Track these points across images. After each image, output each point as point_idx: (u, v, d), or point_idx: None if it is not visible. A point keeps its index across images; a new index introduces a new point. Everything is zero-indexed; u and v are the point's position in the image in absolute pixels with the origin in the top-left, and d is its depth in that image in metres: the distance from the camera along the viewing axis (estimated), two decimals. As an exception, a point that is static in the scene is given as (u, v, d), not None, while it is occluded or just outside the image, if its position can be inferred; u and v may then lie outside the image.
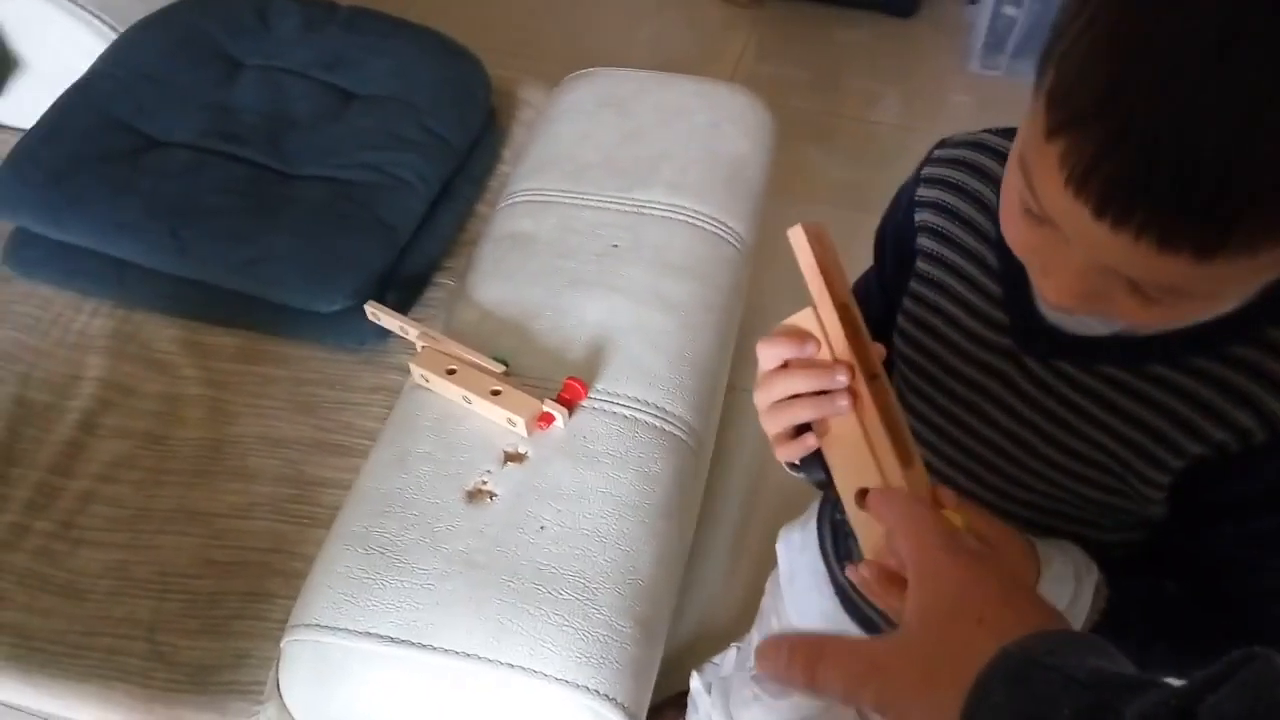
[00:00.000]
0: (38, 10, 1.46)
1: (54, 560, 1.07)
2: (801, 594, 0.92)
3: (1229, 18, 0.39)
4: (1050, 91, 0.44)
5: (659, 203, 1.28)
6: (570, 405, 1.06)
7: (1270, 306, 0.52)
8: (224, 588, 1.06)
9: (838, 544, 0.85)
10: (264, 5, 1.50)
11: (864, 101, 2.37)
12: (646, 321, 1.15)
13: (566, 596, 0.94)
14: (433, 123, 1.37)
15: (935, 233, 0.67)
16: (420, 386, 1.11)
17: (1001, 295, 0.63)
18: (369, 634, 0.93)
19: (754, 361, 0.60)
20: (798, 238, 0.55)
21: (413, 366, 1.10)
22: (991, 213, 0.63)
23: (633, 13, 2.60)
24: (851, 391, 0.55)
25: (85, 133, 1.32)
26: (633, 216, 1.27)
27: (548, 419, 1.05)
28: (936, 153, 0.69)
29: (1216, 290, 0.48)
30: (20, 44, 1.50)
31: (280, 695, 0.98)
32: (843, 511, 0.58)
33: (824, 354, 0.56)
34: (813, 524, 0.89)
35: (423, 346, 1.13)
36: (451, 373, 1.08)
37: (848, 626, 0.85)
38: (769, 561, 1.01)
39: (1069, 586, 0.58)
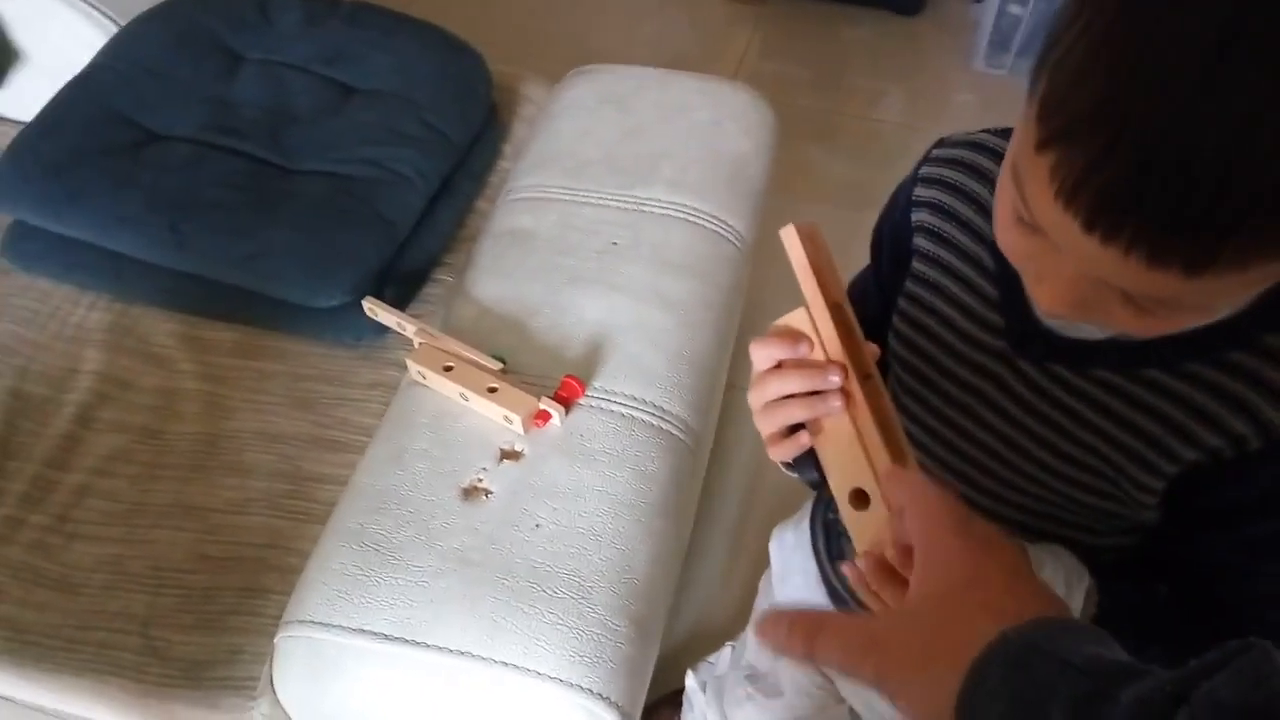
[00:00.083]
0: (39, 3, 1.46)
1: (49, 554, 1.07)
2: (794, 593, 0.92)
3: (1222, 35, 0.38)
4: (1042, 101, 0.43)
5: (659, 200, 1.28)
6: (567, 403, 1.06)
7: (1267, 313, 0.52)
8: (219, 583, 1.06)
9: (830, 544, 0.85)
10: (265, -1, 1.50)
11: (867, 100, 2.36)
12: (645, 320, 1.15)
13: (561, 595, 0.93)
14: (433, 118, 1.37)
15: (932, 233, 0.67)
16: (417, 383, 1.11)
17: (997, 297, 0.63)
18: (363, 631, 0.93)
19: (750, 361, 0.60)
20: (789, 237, 0.55)
21: (410, 363, 1.10)
22: (989, 214, 0.63)
23: (635, 9, 2.59)
24: (844, 391, 0.55)
25: (85, 126, 1.32)
26: (633, 214, 1.26)
27: (544, 417, 1.05)
28: (934, 152, 0.69)
29: (1208, 303, 0.48)
30: (21, 36, 1.50)
31: (274, 691, 0.98)
32: (835, 511, 0.58)
33: (817, 354, 0.56)
34: (805, 524, 0.89)
35: (420, 343, 1.13)
36: (449, 369, 1.07)
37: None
38: (766, 561, 1.01)
39: (1060, 591, 0.58)
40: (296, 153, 1.33)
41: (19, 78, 1.52)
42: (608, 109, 1.41)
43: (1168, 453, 0.56)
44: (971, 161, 0.65)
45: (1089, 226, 0.42)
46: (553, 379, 1.08)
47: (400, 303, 1.25)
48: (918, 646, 0.43)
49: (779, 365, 0.58)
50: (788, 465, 0.65)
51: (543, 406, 1.04)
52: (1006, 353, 0.62)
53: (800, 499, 0.94)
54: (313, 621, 0.94)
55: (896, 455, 0.55)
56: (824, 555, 0.86)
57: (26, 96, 1.45)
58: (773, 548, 0.96)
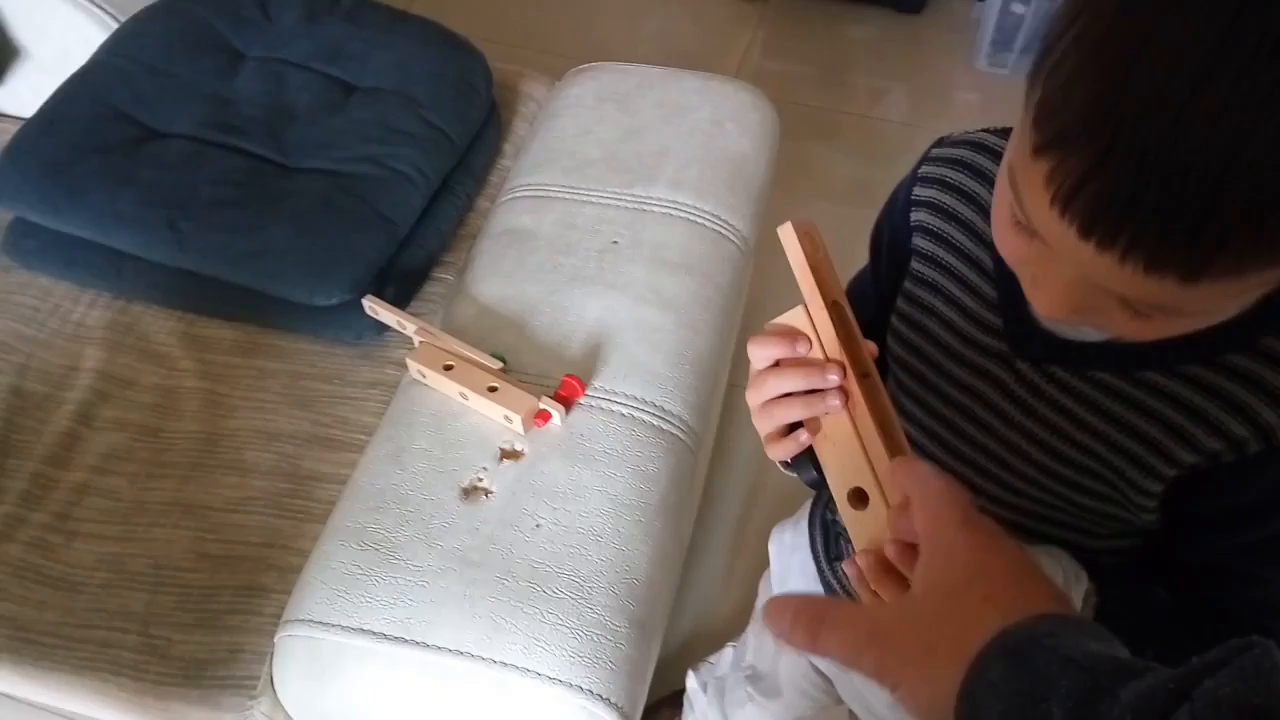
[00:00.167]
0: None
1: (49, 552, 1.07)
2: (792, 593, 0.91)
3: (1216, 42, 0.38)
4: (1038, 107, 0.43)
5: (660, 199, 1.27)
6: (568, 403, 1.06)
7: (1266, 316, 0.51)
8: (218, 582, 1.06)
9: (828, 544, 0.85)
10: (266, -4, 1.50)
11: (870, 98, 2.35)
12: (646, 319, 1.14)
13: (561, 595, 0.93)
14: (433, 116, 1.36)
15: (931, 233, 0.66)
16: (417, 382, 1.11)
17: (996, 298, 0.62)
18: (362, 630, 0.93)
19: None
20: (787, 235, 0.55)
21: (410, 362, 1.10)
22: (988, 214, 0.63)
23: (637, 7, 2.59)
24: (843, 390, 0.55)
25: (85, 123, 1.32)
26: (633, 213, 1.26)
27: (545, 416, 1.05)
28: (934, 152, 0.68)
29: (1205, 308, 0.47)
30: (21, 33, 1.50)
31: (274, 690, 0.99)
32: (834, 511, 0.58)
33: (815, 352, 0.56)
34: (804, 524, 0.89)
35: (420, 342, 1.12)
36: (449, 368, 1.07)
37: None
38: (766, 561, 1.01)
39: (1058, 593, 0.57)
40: (296, 150, 1.33)
41: (19, 74, 1.52)
42: (609, 107, 1.41)
43: (1166, 456, 0.56)
44: (971, 161, 0.65)
45: (1085, 233, 0.42)
46: (553, 378, 1.08)
47: (400, 301, 1.25)
48: (919, 639, 0.42)
49: (777, 364, 0.57)
50: (786, 465, 0.65)
51: (543, 406, 1.04)
52: (1005, 354, 0.62)
53: (800, 499, 0.94)
54: (312, 621, 0.94)
55: (895, 454, 0.55)
56: (822, 556, 0.86)
57: (26, 93, 1.45)
58: (772, 548, 0.96)
